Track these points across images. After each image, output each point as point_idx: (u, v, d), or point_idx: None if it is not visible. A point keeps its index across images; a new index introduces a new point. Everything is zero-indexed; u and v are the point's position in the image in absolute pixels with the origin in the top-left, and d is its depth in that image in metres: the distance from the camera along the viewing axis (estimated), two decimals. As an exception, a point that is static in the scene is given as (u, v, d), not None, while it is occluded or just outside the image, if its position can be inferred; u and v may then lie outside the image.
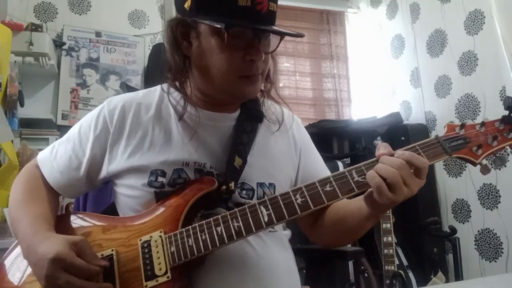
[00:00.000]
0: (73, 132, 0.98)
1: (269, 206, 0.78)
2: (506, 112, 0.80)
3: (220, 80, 0.87)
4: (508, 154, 0.82)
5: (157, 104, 0.96)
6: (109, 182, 1.00)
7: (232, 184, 0.86)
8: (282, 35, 0.88)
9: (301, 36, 0.88)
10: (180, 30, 0.89)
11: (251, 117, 0.97)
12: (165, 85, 0.97)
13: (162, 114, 0.94)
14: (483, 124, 0.81)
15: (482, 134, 0.81)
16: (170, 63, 0.92)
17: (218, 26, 0.81)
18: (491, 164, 0.81)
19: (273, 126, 1.00)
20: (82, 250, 0.77)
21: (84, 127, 0.96)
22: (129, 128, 0.93)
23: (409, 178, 0.73)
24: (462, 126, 0.81)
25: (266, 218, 0.77)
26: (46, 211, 0.90)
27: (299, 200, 0.78)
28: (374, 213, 0.82)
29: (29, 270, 0.84)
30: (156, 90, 1.00)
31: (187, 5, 0.86)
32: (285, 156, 0.99)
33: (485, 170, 0.80)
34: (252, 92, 0.91)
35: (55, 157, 0.96)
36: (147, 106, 0.96)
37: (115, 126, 0.93)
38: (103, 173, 0.93)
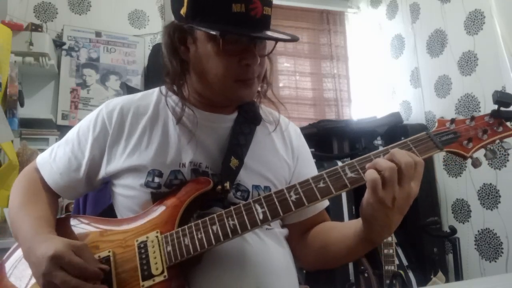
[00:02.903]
0: (71, 134, 0.99)
1: (264, 204, 0.79)
2: (495, 107, 0.82)
3: (217, 84, 0.89)
4: (507, 153, 0.83)
5: (155, 105, 0.97)
6: (108, 183, 1.01)
7: (227, 184, 0.87)
8: (275, 41, 0.88)
9: (295, 40, 0.88)
10: (177, 36, 0.90)
11: (249, 120, 0.98)
12: (163, 88, 0.99)
13: (159, 116, 0.95)
14: (473, 118, 0.83)
15: (472, 128, 0.82)
16: (168, 67, 0.93)
17: (213, 33, 0.82)
18: (485, 156, 0.82)
19: (269, 127, 1.01)
20: (82, 252, 0.78)
21: (82, 129, 0.97)
22: (128, 129, 0.93)
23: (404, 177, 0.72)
24: (453, 121, 0.83)
25: (261, 216, 0.78)
26: (47, 213, 0.91)
27: (293, 197, 0.78)
28: (368, 228, 0.79)
29: (30, 272, 0.85)
30: (154, 92, 1.01)
31: (183, 11, 0.87)
32: (281, 159, 0.99)
33: (476, 163, 0.81)
34: (249, 95, 0.92)
35: (54, 159, 0.97)
36: (145, 107, 0.96)
37: (114, 128, 0.94)
38: (102, 173, 0.94)
